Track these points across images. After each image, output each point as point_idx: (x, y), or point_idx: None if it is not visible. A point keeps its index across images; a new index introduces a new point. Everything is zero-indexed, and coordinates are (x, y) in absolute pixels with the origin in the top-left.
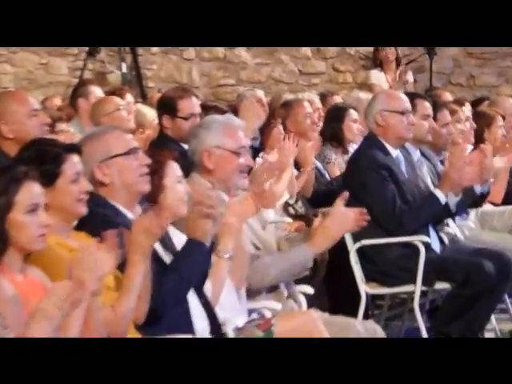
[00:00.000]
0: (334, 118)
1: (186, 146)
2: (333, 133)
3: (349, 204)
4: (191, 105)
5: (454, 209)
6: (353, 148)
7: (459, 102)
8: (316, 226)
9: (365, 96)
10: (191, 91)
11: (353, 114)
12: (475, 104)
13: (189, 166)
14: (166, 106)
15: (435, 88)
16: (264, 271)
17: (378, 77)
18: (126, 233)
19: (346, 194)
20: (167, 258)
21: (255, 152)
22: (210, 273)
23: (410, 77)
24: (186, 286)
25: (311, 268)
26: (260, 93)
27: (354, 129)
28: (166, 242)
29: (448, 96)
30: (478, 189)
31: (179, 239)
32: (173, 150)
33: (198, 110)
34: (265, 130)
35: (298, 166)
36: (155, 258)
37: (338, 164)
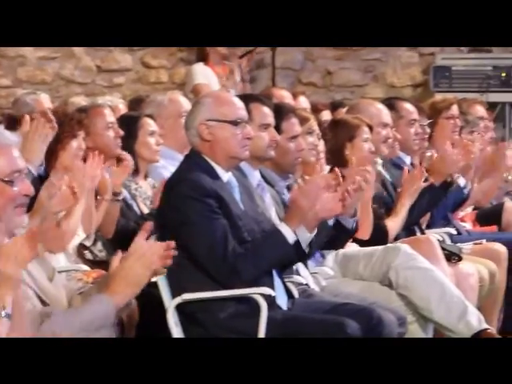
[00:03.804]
0: (123, 134)
1: None
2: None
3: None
4: None
5: (307, 249)
6: (157, 171)
7: (312, 108)
8: (114, 268)
9: (161, 98)
10: None
11: (148, 123)
12: (332, 110)
13: None
14: None
15: (279, 88)
16: (50, 334)
17: (205, 73)
18: None
19: (149, 224)
20: None
21: (41, 182)
22: None
23: (236, 75)
24: None
25: (116, 331)
26: (44, 97)
27: (152, 144)
28: None
29: (297, 99)
30: (330, 222)
31: None
32: None
33: None
34: (52, 146)
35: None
36: None
37: (141, 194)
